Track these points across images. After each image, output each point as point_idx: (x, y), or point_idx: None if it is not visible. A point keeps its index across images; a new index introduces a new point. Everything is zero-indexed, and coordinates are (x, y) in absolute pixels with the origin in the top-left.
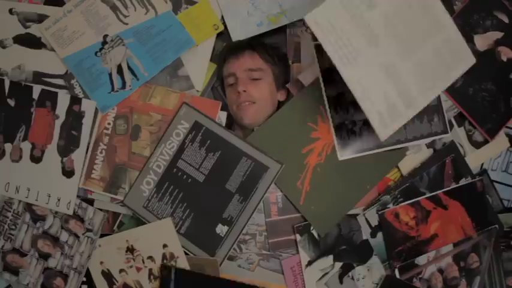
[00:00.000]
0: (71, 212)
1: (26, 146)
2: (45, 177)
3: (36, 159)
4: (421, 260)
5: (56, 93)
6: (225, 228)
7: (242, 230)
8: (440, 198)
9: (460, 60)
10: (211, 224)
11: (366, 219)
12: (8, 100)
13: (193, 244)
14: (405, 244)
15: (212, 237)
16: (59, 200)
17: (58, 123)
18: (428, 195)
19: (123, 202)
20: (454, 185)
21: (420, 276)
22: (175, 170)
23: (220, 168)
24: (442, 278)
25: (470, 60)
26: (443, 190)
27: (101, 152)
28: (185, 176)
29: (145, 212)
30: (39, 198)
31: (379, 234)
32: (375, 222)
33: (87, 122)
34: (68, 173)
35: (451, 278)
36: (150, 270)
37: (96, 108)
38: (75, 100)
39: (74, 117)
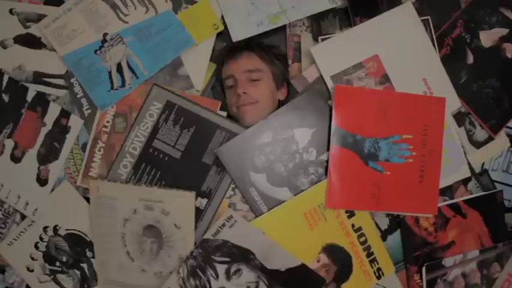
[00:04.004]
0: (36, 219)
1: (9, 144)
2: (20, 178)
3: (15, 159)
4: (447, 261)
5: (49, 101)
6: (204, 201)
7: (221, 201)
8: (460, 207)
9: None
10: None
11: (375, 222)
12: (3, 95)
13: None
14: (423, 249)
15: None
16: (27, 204)
17: (44, 131)
18: (448, 202)
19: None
20: (463, 189)
21: (444, 278)
22: (151, 150)
23: (196, 143)
24: (464, 283)
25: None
26: (463, 198)
27: (99, 150)
28: (162, 155)
29: None
30: (10, 197)
31: (389, 238)
32: (384, 226)
33: (71, 137)
34: (42, 181)
35: (473, 284)
36: None
37: (83, 125)
38: (64, 113)
39: (60, 130)
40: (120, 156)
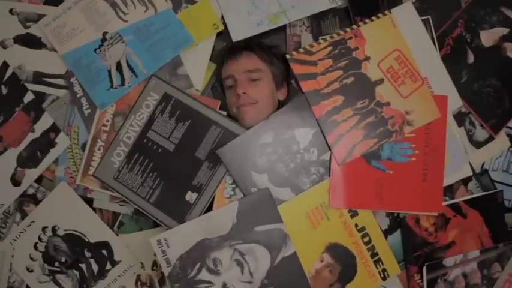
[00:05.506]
0: None
1: None
2: None
3: None
4: (448, 261)
5: (44, 110)
6: (195, 195)
7: (211, 196)
8: (460, 207)
9: None
10: (181, 192)
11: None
12: (2, 86)
13: (163, 213)
14: (423, 249)
15: (181, 204)
16: None
17: (31, 136)
18: (449, 202)
19: (93, 175)
20: (464, 189)
21: (445, 277)
22: (145, 140)
23: (190, 137)
24: (465, 283)
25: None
26: (464, 198)
27: (99, 149)
28: (155, 146)
29: (116, 184)
30: None
31: (390, 238)
32: (384, 226)
33: (54, 152)
34: (15, 182)
35: (473, 284)
36: (138, 276)
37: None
38: (54, 128)
39: (46, 141)
40: (114, 145)
